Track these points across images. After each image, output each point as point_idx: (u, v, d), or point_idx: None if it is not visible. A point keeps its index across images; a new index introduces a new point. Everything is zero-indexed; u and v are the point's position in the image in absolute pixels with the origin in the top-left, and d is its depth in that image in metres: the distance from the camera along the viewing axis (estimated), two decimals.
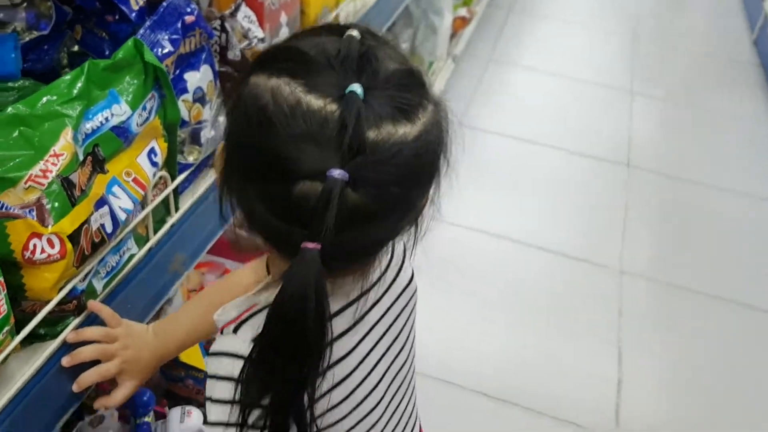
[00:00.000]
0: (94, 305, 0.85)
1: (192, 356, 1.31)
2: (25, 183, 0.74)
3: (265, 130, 0.57)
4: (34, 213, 0.74)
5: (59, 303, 0.80)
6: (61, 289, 0.80)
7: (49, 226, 0.75)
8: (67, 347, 0.83)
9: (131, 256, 0.93)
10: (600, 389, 1.91)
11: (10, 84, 0.85)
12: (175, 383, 1.34)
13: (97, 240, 0.82)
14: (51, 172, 0.75)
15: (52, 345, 0.81)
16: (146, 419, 1.21)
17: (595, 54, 3.60)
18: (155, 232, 0.97)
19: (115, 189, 0.86)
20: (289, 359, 0.58)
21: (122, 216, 0.86)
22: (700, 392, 1.92)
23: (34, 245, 0.75)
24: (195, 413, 1.26)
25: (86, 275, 0.84)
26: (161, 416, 1.26)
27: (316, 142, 0.55)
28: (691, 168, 2.86)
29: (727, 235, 2.53)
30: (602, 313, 2.15)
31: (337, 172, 0.54)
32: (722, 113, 3.27)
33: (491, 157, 2.72)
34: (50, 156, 0.76)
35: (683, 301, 2.23)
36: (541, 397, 1.85)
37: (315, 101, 0.56)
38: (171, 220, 1.01)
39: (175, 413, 1.25)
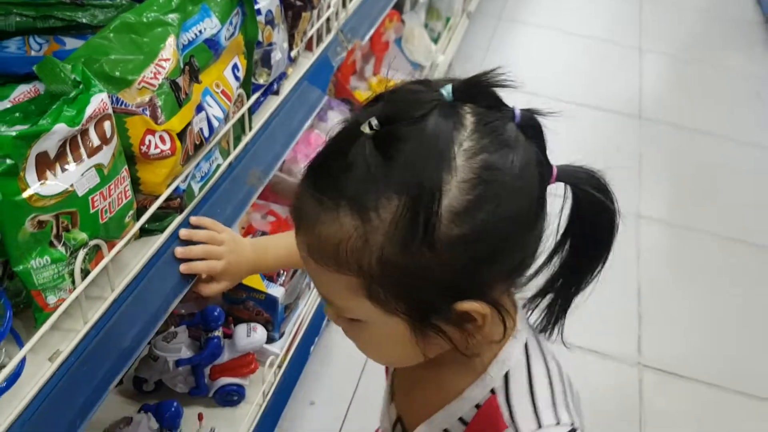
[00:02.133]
0: (197, 219, 0.94)
1: (253, 279, 1.40)
2: (139, 84, 0.81)
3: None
4: (148, 111, 0.82)
5: (166, 199, 0.88)
6: (168, 185, 0.87)
7: (162, 124, 0.83)
8: (172, 241, 0.90)
9: (218, 166, 1.00)
10: (622, 323, 2.00)
11: (108, 2, 0.92)
12: (237, 305, 1.42)
13: (197, 142, 0.90)
14: (160, 74, 0.83)
15: (160, 239, 0.89)
16: (216, 333, 1.29)
17: (604, 12, 3.66)
18: (234, 147, 1.04)
19: (208, 98, 0.93)
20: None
21: (215, 123, 0.93)
22: (717, 328, 2.02)
23: (149, 141, 0.82)
24: (260, 329, 1.34)
25: (186, 177, 0.92)
26: (226, 336, 1.35)
27: None
28: (701, 120, 2.94)
29: (737, 182, 2.62)
30: (621, 254, 2.23)
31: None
32: (729, 69, 3.34)
33: None
34: (159, 60, 0.83)
35: (699, 243, 2.32)
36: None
37: None
38: (246, 138, 1.08)
39: (241, 329, 1.34)
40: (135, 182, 0.84)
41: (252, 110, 1.10)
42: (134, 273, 0.85)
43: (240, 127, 1.08)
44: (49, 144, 0.68)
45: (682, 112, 2.98)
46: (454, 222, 0.55)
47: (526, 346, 0.67)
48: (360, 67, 2.30)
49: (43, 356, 0.73)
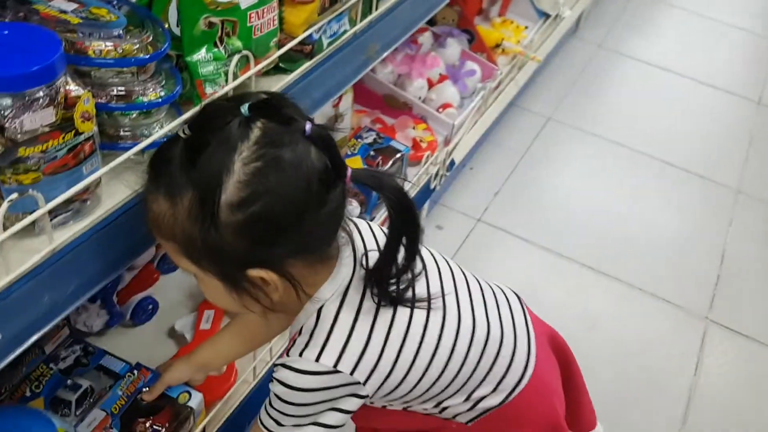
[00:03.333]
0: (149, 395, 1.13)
1: (355, 162, 1.58)
2: None
3: None
4: None
5: (300, 43, 1.07)
6: (305, 30, 1.06)
7: None
8: (299, 81, 1.09)
9: (345, 31, 1.18)
10: (699, 281, 2.04)
11: None
12: None
13: None
14: None
15: (290, 77, 1.08)
16: None
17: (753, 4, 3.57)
18: (361, 20, 1.22)
19: None
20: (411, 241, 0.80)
21: None
22: None
23: None
24: (354, 202, 1.53)
25: (319, 29, 1.10)
26: None
27: None
28: None
29: None
30: (712, 218, 2.26)
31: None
32: None
33: (629, 79, 2.86)
34: None
35: None
36: (640, 274, 2.01)
37: None
38: (371, 16, 1.25)
39: None
40: (279, 21, 1.02)
41: None
42: None
43: (368, 6, 1.25)
44: None
45: None
46: (231, 212, 0.72)
47: (342, 298, 0.83)
48: (486, 7, 2.43)
49: None
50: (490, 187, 2.21)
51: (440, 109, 1.94)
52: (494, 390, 0.93)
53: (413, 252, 0.81)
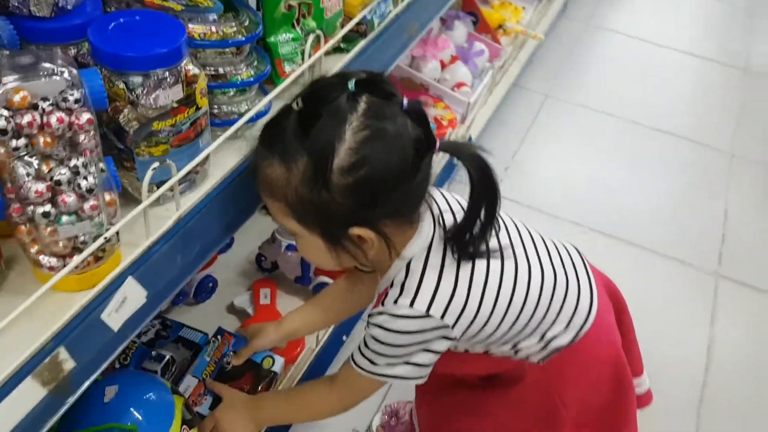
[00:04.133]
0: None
1: None
2: None
3: None
4: None
5: (356, 24, 1.14)
6: (361, 11, 1.14)
7: None
8: (355, 59, 1.16)
9: (390, 11, 1.26)
10: (705, 240, 2.16)
11: None
12: None
13: None
14: None
15: (349, 56, 1.15)
16: None
17: None
18: (401, 1, 1.30)
19: None
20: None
21: None
22: None
23: None
24: None
25: (372, 9, 1.17)
26: None
27: None
28: None
29: None
30: (711, 181, 2.39)
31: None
32: None
33: (618, 54, 2.97)
34: None
35: None
36: (650, 238, 2.12)
37: None
38: None
39: None
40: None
41: None
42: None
43: None
44: None
45: None
46: (342, 175, 0.80)
47: (427, 253, 0.91)
48: None
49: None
50: (500, 162, 2.31)
51: (455, 88, 2.02)
52: (565, 329, 1.02)
53: (492, 215, 0.90)
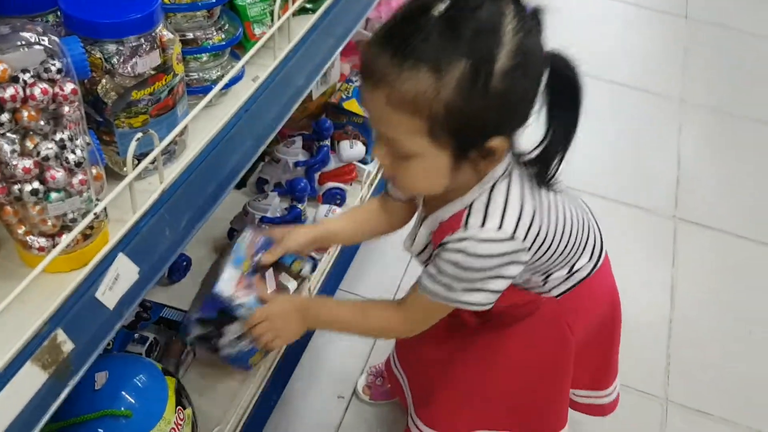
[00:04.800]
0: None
1: (353, 104, 1.64)
2: None
3: None
4: None
5: None
6: None
7: None
8: (322, 19, 1.14)
9: None
10: (660, 185, 2.23)
11: None
12: (338, 129, 1.67)
13: None
14: None
15: (314, 17, 1.13)
16: (326, 142, 1.56)
17: None
18: None
19: None
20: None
21: None
22: (750, 197, 2.23)
23: None
24: (359, 144, 1.60)
25: None
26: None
27: None
28: (746, 21, 3.09)
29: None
30: (662, 127, 2.46)
31: None
32: None
33: (561, 6, 2.97)
34: None
35: (738, 125, 2.52)
36: (608, 187, 2.18)
37: None
38: None
39: (344, 143, 1.60)
40: None
41: None
42: (300, 35, 1.09)
43: None
44: None
45: (728, 13, 3.12)
46: (502, 79, 0.76)
47: (509, 178, 0.90)
48: None
49: (247, 78, 0.99)
50: None
51: None
52: (589, 259, 1.05)
53: (572, 134, 0.89)
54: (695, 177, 2.27)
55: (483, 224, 0.88)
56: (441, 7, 0.76)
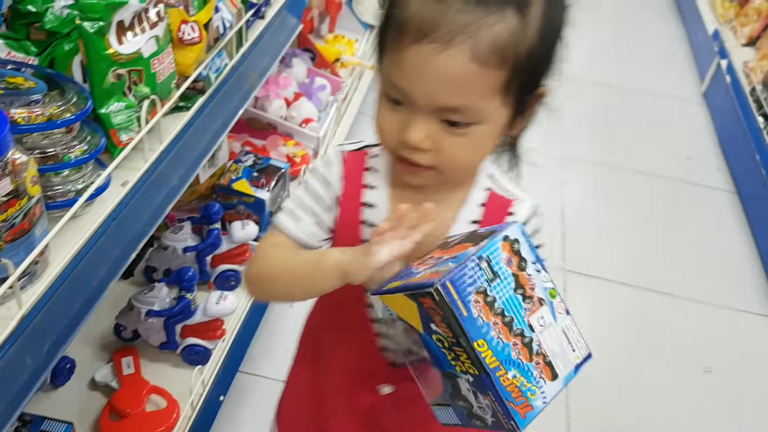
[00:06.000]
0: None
1: (242, 185, 1.65)
2: None
3: None
4: (182, 6, 1.07)
5: (192, 81, 1.13)
6: (195, 69, 1.12)
7: (192, 16, 1.08)
8: (197, 117, 1.15)
9: (226, 65, 1.26)
10: (548, 237, 2.34)
11: None
12: (229, 210, 1.66)
13: (216, 36, 1.15)
14: None
15: (189, 114, 1.14)
16: (216, 225, 1.54)
17: None
18: (236, 52, 1.30)
19: (220, 4, 1.19)
20: None
21: (227, 23, 1.19)
22: (626, 239, 2.39)
23: (183, 29, 1.07)
24: (252, 224, 1.59)
25: (206, 66, 1.16)
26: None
27: None
28: (616, 76, 3.35)
29: (645, 123, 3.04)
30: (546, 186, 2.60)
31: None
32: (640, 32, 3.79)
33: None
34: None
35: (613, 175, 2.70)
36: None
37: None
38: (243, 48, 1.33)
39: (236, 225, 1.59)
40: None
41: (247, 25, 1.36)
42: (173, 135, 1.09)
43: (239, 38, 1.33)
44: (125, 14, 0.92)
45: (600, 71, 3.38)
46: (561, 13, 0.72)
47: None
48: (317, 26, 2.57)
49: (116, 183, 0.98)
50: None
51: (303, 125, 2.04)
52: None
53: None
54: (579, 231, 2.40)
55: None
56: None
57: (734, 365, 1.96)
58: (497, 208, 0.83)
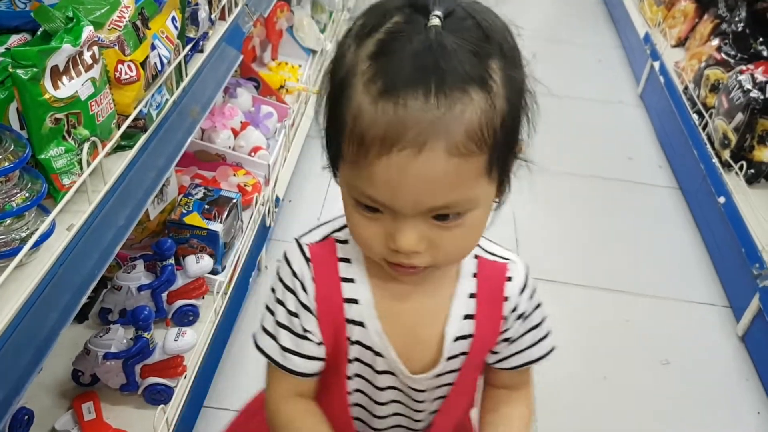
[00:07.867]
0: None
1: (194, 218, 1.64)
2: (109, 25, 1.07)
3: None
4: (117, 46, 1.07)
5: (133, 120, 1.13)
6: (135, 107, 1.12)
7: (128, 55, 1.08)
8: (140, 155, 1.15)
9: (167, 100, 1.26)
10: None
11: None
12: (182, 244, 1.65)
13: (153, 74, 1.16)
14: (124, 18, 1.08)
15: (132, 152, 1.13)
16: (170, 261, 1.53)
17: None
18: (177, 87, 1.30)
19: (156, 41, 1.19)
20: None
21: (165, 60, 1.19)
22: (577, 243, 2.45)
23: (120, 68, 1.07)
24: (206, 257, 1.59)
25: (147, 103, 1.17)
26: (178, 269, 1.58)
27: None
28: (554, 86, 3.44)
29: (586, 129, 3.13)
30: None
31: None
32: (575, 42, 3.91)
33: None
34: (122, 8, 1.09)
35: (560, 181, 2.77)
36: None
37: None
38: (184, 82, 1.34)
39: (190, 259, 1.58)
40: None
41: (186, 60, 1.36)
42: (117, 175, 1.09)
43: (179, 73, 1.33)
44: (59, 59, 0.92)
45: (542, 83, 3.46)
46: (520, 68, 0.67)
47: None
48: (259, 54, 2.58)
49: (61, 228, 0.97)
50: (312, 213, 2.37)
51: (252, 153, 2.05)
52: None
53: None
54: (531, 237, 2.45)
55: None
56: (435, 20, 0.61)
57: (689, 355, 2.03)
58: (492, 275, 0.80)
